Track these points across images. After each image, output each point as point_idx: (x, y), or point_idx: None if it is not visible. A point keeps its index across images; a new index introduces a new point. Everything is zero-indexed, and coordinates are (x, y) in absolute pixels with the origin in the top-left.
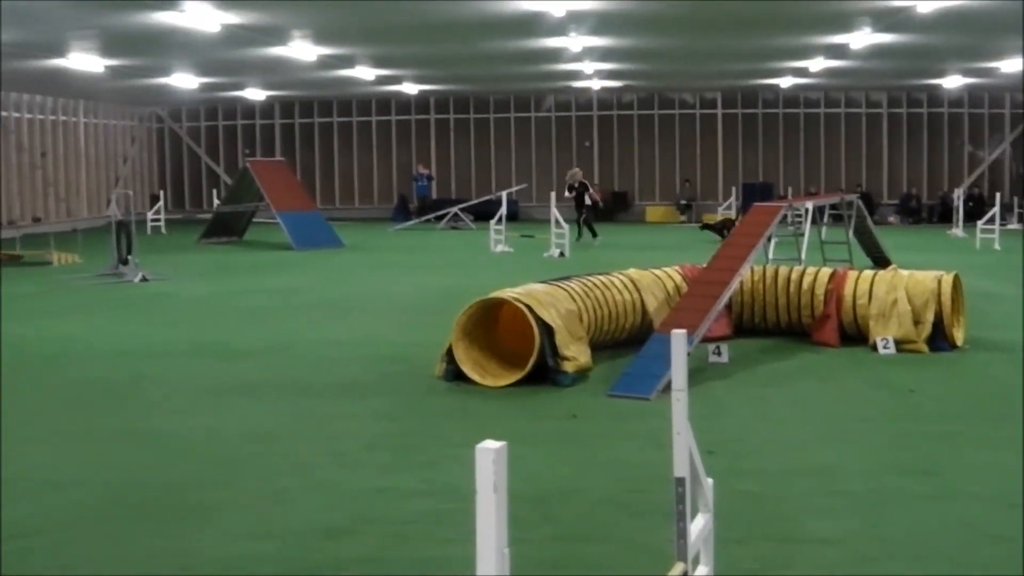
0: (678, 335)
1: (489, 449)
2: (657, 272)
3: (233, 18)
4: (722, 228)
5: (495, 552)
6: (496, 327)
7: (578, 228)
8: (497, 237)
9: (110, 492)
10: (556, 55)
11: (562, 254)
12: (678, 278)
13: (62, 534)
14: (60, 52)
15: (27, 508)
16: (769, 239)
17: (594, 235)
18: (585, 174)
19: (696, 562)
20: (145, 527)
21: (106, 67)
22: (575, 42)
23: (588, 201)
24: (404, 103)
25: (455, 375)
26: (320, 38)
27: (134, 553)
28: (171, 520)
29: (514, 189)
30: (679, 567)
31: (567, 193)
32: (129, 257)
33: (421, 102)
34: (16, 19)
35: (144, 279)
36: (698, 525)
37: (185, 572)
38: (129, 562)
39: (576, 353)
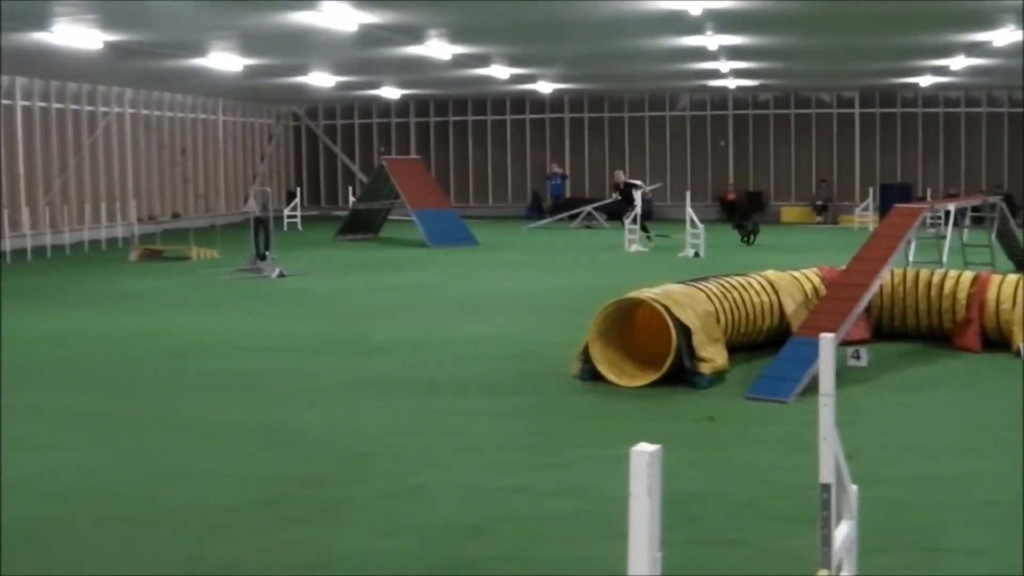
0: (826, 339)
1: (644, 452)
2: (795, 274)
3: (370, 17)
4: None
5: (647, 555)
6: (632, 327)
7: (644, 230)
8: (631, 237)
9: (245, 485)
10: (692, 54)
11: (697, 254)
12: (817, 280)
13: (202, 523)
14: (201, 52)
15: (170, 500)
16: (909, 242)
17: (648, 236)
18: (721, 173)
19: (839, 570)
20: (281, 520)
21: (245, 66)
22: (711, 41)
23: (636, 201)
24: (538, 102)
25: (591, 375)
26: (456, 37)
27: (271, 546)
28: (306, 514)
29: (648, 188)
30: (823, 574)
31: (614, 195)
32: (267, 253)
33: (555, 101)
34: (159, 20)
35: (281, 275)
36: (842, 532)
37: (322, 565)
38: (266, 555)
39: (713, 355)
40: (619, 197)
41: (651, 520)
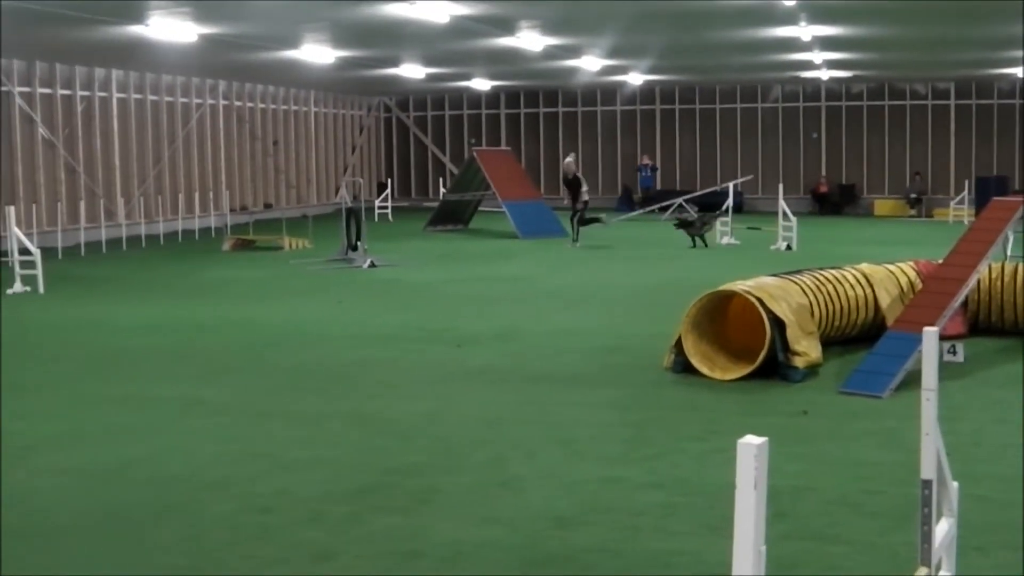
0: (929, 333)
1: (751, 444)
2: (891, 267)
3: (463, 9)
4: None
5: (752, 550)
6: (725, 319)
7: (582, 224)
8: (723, 229)
9: (339, 474)
10: (785, 45)
11: (789, 247)
12: (912, 274)
13: (297, 511)
14: (293, 44)
15: (265, 488)
16: (1007, 236)
17: (575, 238)
18: (813, 166)
19: (938, 568)
20: (375, 509)
21: (337, 58)
22: (805, 31)
23: (584, 197)
24: (629, 93)
25: (683, 367)
26: (548, 28)
27: (365, 534)
28: (400, 503)
29: (740, 181)
30: (923, 572)
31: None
32: (358, 243)
33: (646, 92)
34: (252, 13)
35: (372, 265)
36: (942, 529)
37: (415, 555)
38: (360, 543)
39: (807, 348)
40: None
41: (757, 514)
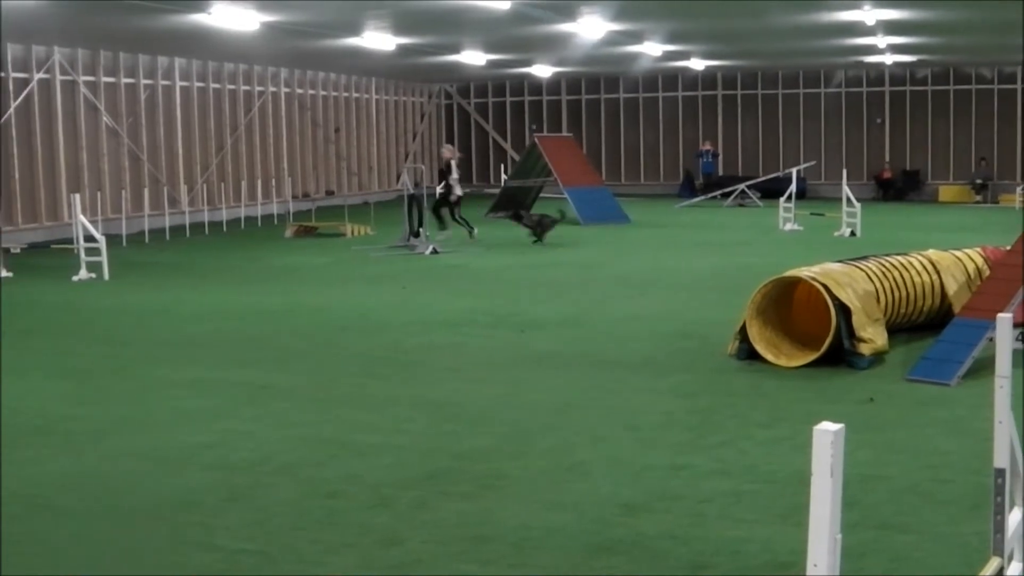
0: (1003, 319)
1: (827, 431)
2: (957, 253)
3: None
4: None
5: (828, 537)
6: (790, 306)
7: (447, 220)
8: (786, 215)
9: (407, 459)
10: (848, 29)
11: (853, 233)
12: (980, 260)
13: (365, 496)
14: (355, 31)
15: (334, 472)
16: None
17: (442, 227)
18: (876, 151)
19: (1011, 558)
20: (442, 494)
21: (398, 45)
22: (869, 15)
23: (456, 189)
24: (691, 79)
25: (748, 354)
26: (610, 14)
27: (433, 519)
28: (467, 488)
29: (803, 166)
30: (995, 563)
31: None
32: (420, 229)
33: (708, 78)
34: (314, 1)
35: (434, 251)
36: (1015, 519)
37: (482, 540)
38: (428, 528)
39: (873, 335)
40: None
41: (833, 501)
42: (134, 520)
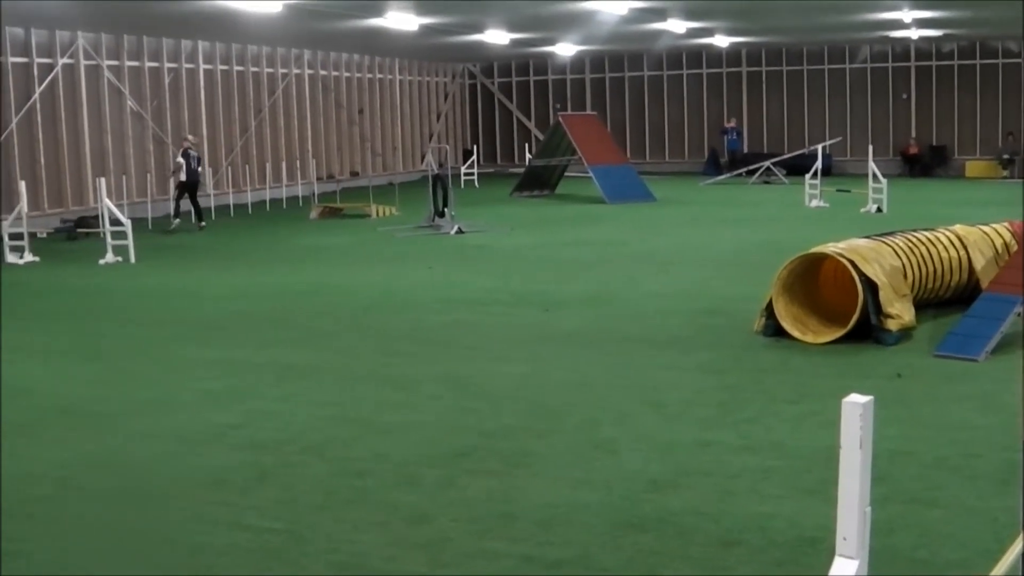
0: None
1: (856, 403)
2: (985, 228)
3: None
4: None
5: (857, 510)
6: (816, 282)
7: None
8: (812, 192)
9: (433, 437)
10: (874, 4)
11: (879, 209)
12: (1007, 235)
13: (392, 474)
14: (378, 12)
15: (360, 451)
16: None
17: (175, 217)
18: (903, 127)
19: None
20: (468, 472)
21: (421, 25)
22: None
23: (183, 177)
24: (715, 56)
25: (775, 330)
26: None
27: (459, 497)
28: (494, 466)
29: (828, 143)
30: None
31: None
32: (445, 209)
33: (732, 54)
34: None
35: (460, 231)
36: None
37: (509, 517)
38: (454, 506)
39: (900, 311)
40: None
41: (863, 474)
42: (162, 500)
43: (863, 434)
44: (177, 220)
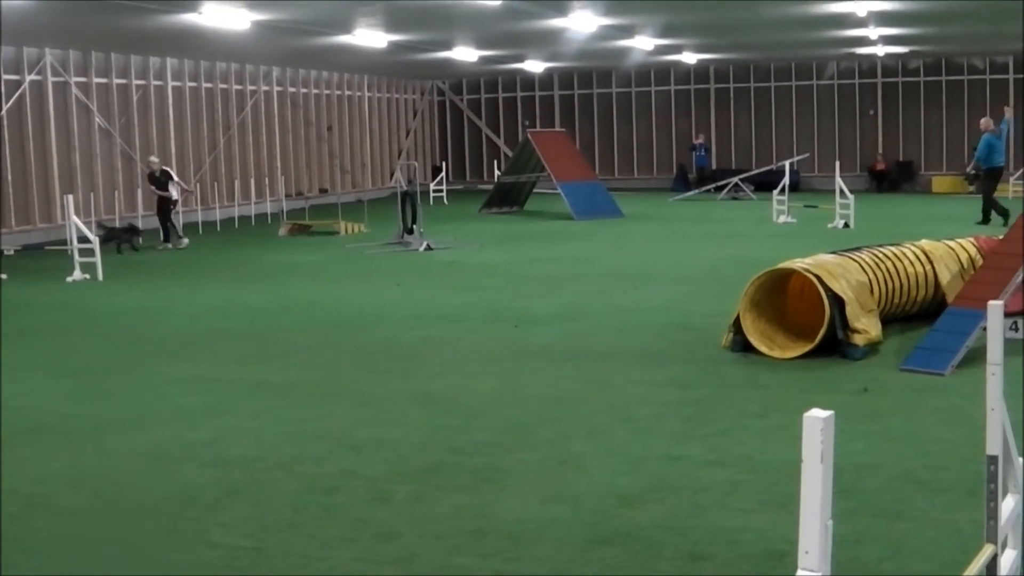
0: (994, 307)
1: (817, 418)
2: (951, 243)
3: None
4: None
5: (819, 523)
6: (784, 298)
7: (165, 232)
8: (780, 208)
9: (404, 453)
10: (840, 20)
11: (846, 225)
12: (973, 250)
13: (362, 491)
14: (346, 29)
15: (331, 468)
16: None
17: (168, 238)
18: (870, 143)
19: (1004, 545)
20: (439, 488)
21: (389, 42)
22: (860, 6)
23: (175, 195)
24: (683, 72)
25: (742, 346)
26: (602, 8)
27: (430, 513)
28: (464, 482)
29: (796, 159)
30: (988, 550)
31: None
32: (414, 226)
33: (700, 71)
34: None
35: (429, 248)
36: (1008, 506)
37: (480, 533)
38: (425, 522)
39: (867, 326)
40: (154, 188)
41: (824, 487)
42: (133, 517)
43: (824, 448)
44: (185, 240)
